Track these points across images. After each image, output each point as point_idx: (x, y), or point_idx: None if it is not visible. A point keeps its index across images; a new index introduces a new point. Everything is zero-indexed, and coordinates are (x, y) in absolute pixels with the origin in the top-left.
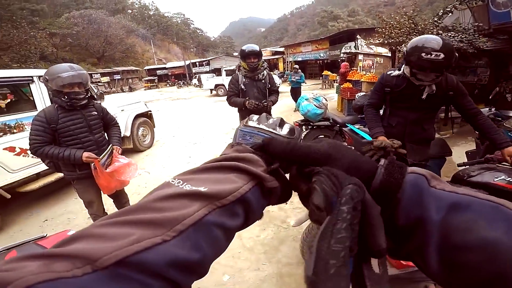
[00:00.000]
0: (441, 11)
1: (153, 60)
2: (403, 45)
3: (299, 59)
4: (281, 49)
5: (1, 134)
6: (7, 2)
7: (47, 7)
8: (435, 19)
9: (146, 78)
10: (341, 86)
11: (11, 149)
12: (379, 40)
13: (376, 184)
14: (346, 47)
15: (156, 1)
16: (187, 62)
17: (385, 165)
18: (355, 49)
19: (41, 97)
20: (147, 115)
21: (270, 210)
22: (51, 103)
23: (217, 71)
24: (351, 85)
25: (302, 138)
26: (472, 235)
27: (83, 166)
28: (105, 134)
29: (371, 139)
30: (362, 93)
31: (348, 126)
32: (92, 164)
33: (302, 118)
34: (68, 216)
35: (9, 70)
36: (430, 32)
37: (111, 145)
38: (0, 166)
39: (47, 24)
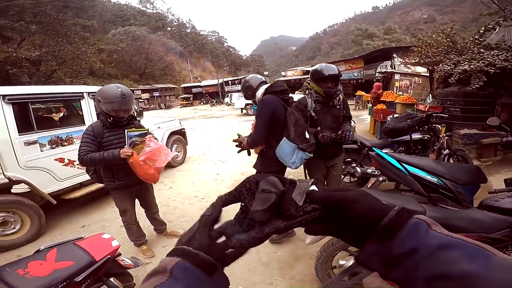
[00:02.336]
0: (483, 28)
1: (189, 78)
2: (440, 65)
3: None
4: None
5: (54, 146)
6: (63, 18)
7: (96, 23)
8: (476, 37)
9: (182, 96)
10: (374, 107)
11: (61, 160)
12: (415, 60)
13: (385, 221)
14: (382, 66)
15: (192, 20)
16: (220, 80)
17: (397, 210)
18: (392, 68)
19: (89, 112)
20: (181, 132)
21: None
22: (98, 119)
23: None
24: (385, 107)
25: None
26: (456, 266)
27: (121, 177)
28: None
29: (398, 165)
30: (395, 115)
31: (374, 150)
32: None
33: None
34: (103, 223)
35: (63, 86)
36: (470, 51)
37: (148, 128)
38: (51, 175)
39: (96, 40)
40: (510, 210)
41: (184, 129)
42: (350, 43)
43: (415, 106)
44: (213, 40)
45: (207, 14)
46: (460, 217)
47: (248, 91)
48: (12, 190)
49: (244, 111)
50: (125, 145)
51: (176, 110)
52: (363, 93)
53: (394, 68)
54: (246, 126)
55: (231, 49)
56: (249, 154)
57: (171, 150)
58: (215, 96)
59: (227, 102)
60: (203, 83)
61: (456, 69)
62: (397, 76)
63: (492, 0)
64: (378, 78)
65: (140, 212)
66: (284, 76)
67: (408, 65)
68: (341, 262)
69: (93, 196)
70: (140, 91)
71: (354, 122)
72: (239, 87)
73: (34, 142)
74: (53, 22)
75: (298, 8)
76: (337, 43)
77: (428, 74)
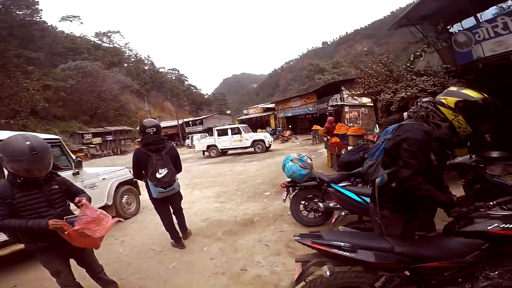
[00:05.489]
0: (412, 56)
1: (147, 119)
2: (382, 94)
3: (290, 114)
4: (272, 105)
5: None
6: (5, 48)
7: (44, 56)
8: (408, 64)
9: (139, 139)
10: (329, 141)
11: None
12: (360, 91)
13: None
14: (333, 100)
15: (151, 56)
16: (181, 121)
17: None
18: (341, 101)
19: None
20: (132, 182)
21: (262, 275)
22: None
23: (210, 131)
24: (338, 140)
25: (291, 198)
26: None
27: (45, 238)
28: (71, 206)
29: (357, 198)
30: (349, 148)
31: (333, 186)
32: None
33: (289, 179)
34: (41, 282)
35: None
36: (405, 78)
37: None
38: None
39: (41, 74)
40: (474, 233)
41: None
42: (304, 78)
43: (364, 136)
44: (173, 78)
45: (167, 51)
46: (432, 247)
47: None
48: None
49: (207, 153)
50: (45, 205)
51: (132, 155)
52: (318, 127)
53: (343, 101)
54: (208, 169)
55: (192, 88)
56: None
57: (121, 202)
58: (175, 138)
59: (188, 144)
60: (162, 124)
61: (395, 97)
62: (346, 108)
63: (416, 28)
64: (330, 111)
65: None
66: (246, 114)
67: (354, 97)
68: None
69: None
70: (90, 135)
71: (311, 160)
72: (200, 127)
73: None
74: None
75: (259, 45)
76: (293, 79)
77: (372, 104)
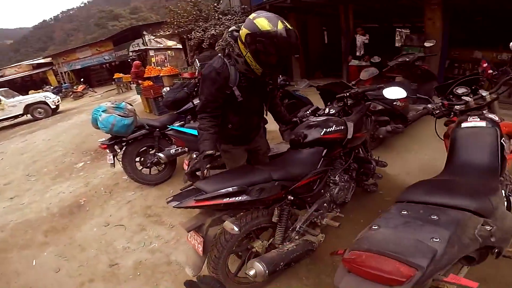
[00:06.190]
0: None
1: None
2: (193, 32)
3: (78, 66)
4: (48, 60)
5: None
6: None
7: None
8: (215, 4)
9: None
10: (141, 86)
11: None
12: (169, 31)
13: None
14: (134, 45)
15: None
16: None
17: None
18: (144, 45)
19: None
20: None
21: (142, 260)
22: None
23: None
24: (152, 83)
25: (121, 159)
26: None
27: None
28: None
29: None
30: (167, 88)
31: (170, 128)
32: None
33: (109, 136)
34: None
35: None
36: (212, 17)
37: None
38: None
39: None
40: (314, 142)
41: None
42: (93, 26)
43: (180, 75)
44: None
45: None
46: (294, 164)
47: None
48: None
49: None
50: None
51: None
52: (121, 75)
53: (147, 45)
54: None
55: None
56: None
57: None
58: None
59: None
60: None
61: (206, 34)
62: (152, 52)
63: None
64: (133, 57)
65: None
66: (1, 76)
67: (158, 40)
68: (251, 273)
69: None
70: None
71: (131, 105)
72: None
73: None
74: None
75: None
76: (76, 28)
77: (180, 46)
